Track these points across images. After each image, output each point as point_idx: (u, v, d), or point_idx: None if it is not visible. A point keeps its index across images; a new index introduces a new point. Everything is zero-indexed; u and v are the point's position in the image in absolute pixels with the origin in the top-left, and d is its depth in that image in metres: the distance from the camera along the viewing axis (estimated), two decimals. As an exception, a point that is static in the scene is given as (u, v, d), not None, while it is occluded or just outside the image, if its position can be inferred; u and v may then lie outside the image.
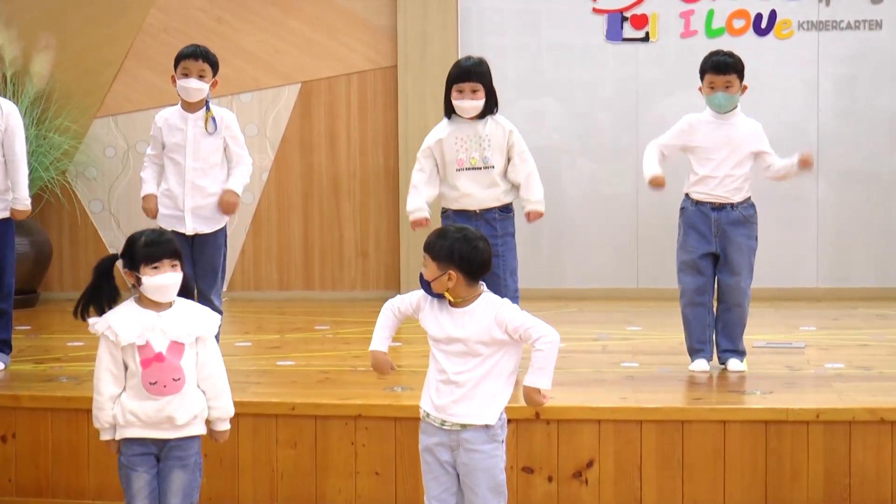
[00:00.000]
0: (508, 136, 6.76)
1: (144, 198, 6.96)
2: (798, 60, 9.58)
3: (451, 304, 4.69)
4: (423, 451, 4.79)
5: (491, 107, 6.74)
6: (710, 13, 9.58)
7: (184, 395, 4.84)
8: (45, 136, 9.48)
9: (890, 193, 9.64)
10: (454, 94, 6.68)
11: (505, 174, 6.80)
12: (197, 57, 6.81)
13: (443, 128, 6.81)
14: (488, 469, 4.69)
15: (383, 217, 9.80)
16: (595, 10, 9.65)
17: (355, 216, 9.82)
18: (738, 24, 9.58)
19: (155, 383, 4.80)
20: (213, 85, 6.88)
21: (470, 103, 6.67)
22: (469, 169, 6.77)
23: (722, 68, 6.60)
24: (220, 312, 6.15)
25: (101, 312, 4.85)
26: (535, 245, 9.58)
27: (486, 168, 6.76)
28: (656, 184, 6.66)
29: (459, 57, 9.31)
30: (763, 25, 9.55)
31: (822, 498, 5.80)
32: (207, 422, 4.94)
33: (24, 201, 6.92)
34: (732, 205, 6.70)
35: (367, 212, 9.81)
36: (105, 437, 4.91)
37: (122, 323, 4.82)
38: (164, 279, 4.81)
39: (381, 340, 4.88)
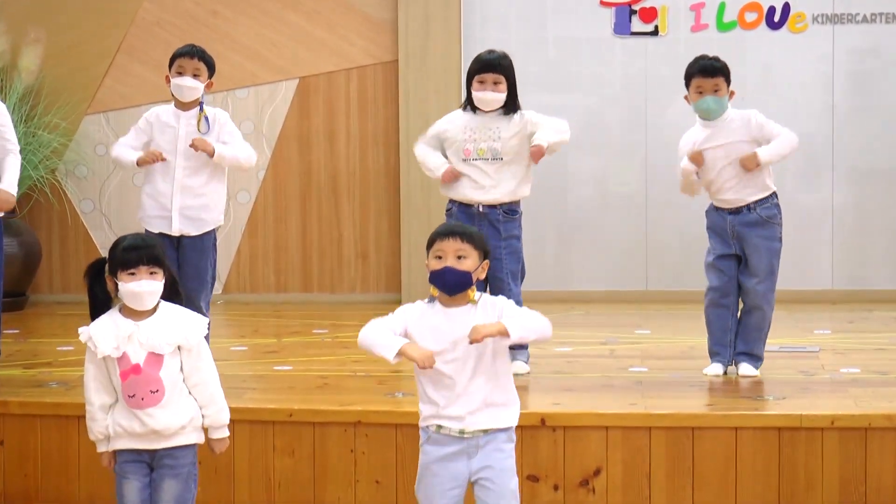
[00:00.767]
0: (525, 123, 6.66)
1: (137, 162, 6.83)
2: (812, 55, 9.58)
3: (455, 304, 4.63)
4: (430, 464, 4.72)
5: (513, 105, 6.69)
6: (722, 6, 9.56)
7: (165, 406, 4.80)
8: (35, 133, 9.46)
9: (906, 192, 9.68)
10: (475, 85, 6.68)
11: (515, 171, 6.71)
12: (192, 55, 6.85)
13: (454, 117, 6.81)
14: (510, 469, 4.71)
15: (384, 217, 9.75)
16: (602, 3, 9.64)
17: (355, 216, 9.78)
18: (751, 17, 9.55)
19: (133, 396, 4.79)
20: (208, 87, 6.92)
21: (492, 95, 6.66)
22: (476, 160, 6.72)
23: (710, 71, 6.61)
24: (207, 317, 6.12)
25: (94, 318, 4.87)
26: (541, 246, 9.57)
27: (493, 160, 6.70)
28: (695, 160, 6.66)
29: (461, 52, 9.28)
30: (776, 19, 9.54)
31: (838, 507, 5.84)
32: (206, 430, 4.93)
33: (9, 188, 6.86)
34: (748, 206, 6.68)
35: (366, 211, 9.78)
36: (100, 448, 4.89)
37: (100, 334, 4.81)
38: (140, 286, 4.77)
39: (394, 339, 4.61)
